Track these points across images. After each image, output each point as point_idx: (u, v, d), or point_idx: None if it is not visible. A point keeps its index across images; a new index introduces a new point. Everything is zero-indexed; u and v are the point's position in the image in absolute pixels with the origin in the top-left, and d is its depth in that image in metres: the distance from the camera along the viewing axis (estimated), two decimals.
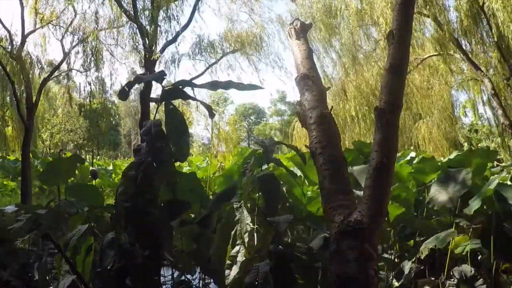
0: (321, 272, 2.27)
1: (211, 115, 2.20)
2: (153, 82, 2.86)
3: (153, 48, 10.65)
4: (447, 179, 3.63)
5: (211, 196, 4.05)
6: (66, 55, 12.01)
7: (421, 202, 4.10)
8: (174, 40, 11.36)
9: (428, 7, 10.73)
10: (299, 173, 4.00)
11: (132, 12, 10.80)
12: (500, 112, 11.23)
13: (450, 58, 12.47)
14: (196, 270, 3.05)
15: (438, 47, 11.66)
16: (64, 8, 11.72)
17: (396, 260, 3.76)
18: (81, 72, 12.45)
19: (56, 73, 12.89)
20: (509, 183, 3.70)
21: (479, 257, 3.55)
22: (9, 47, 11.14)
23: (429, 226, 3.65)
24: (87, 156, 31.09)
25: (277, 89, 56.14)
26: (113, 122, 37.18)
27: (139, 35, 10.80)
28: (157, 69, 11.08)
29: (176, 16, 11.16)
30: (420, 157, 5.29)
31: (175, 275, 2.99)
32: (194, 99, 2.23)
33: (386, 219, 3.04)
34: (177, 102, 11.06)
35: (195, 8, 11.62)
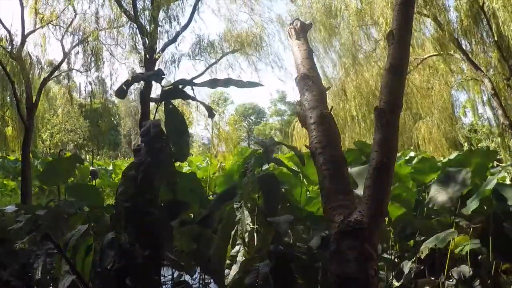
0: (321, 272, 2.27)
1: (211, 115, 2.20)
2: (153, 82, 2.85)
3: (154, 48, 10.65)
4: (447, 179, 3.63)
5: (211, 196, 4.05)
6: (66, 55, 12.01)
7: (421, 202, 4.11)
8: (174, 40, 11.36)
9: (428, 7, 10.71)
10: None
11: (132, 12, 10.79)
12: (500, 112, 11.22)
13: (450, 58, 12.46)
14: (196, 270, 3.05)
15: (438, 47, 11.65)
16: (64, 8, 11.72)
17: (396, 260, 3.76)
18: (81, 72, 12.46)
19: (56, 73, 12.89)
20: (508, 182, 3.70)
21: (479, 257, 3.55)
22: (9, 47, 11.14)
23: (429, 226, 3.65)
24: (87, 156, 31.12)
25: (277, 89, 56.28)
26: (114, 122, 37.22)
27: (139, 35, 10.80)
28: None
29: (176, 16, 11.17)
30: (420, 157, 5.30)
31: (175, 275, 2.98)
32: (194, 99, 2.23)
33: (386, 219, 3.04)
34: (177, 102, 11.07)
35: (195, 8, 11.61)
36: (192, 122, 16.02)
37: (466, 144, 18.59)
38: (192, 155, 26.72)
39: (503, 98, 11.49)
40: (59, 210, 2.96)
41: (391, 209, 3.26)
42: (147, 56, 10.78)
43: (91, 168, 7.73)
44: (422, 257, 3.45)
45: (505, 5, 9.49)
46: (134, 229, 1.88)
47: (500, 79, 11.43)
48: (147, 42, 10.60)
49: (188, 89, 2.17)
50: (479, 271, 3.39)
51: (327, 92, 2.37)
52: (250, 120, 60.54)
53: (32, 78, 11.85)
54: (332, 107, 2.49)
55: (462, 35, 11.24)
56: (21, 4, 11.15)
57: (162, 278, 2.79)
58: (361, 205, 1.85)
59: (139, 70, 11.70)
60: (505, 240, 3.09)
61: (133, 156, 1.98)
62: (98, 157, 31.64)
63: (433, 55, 13.12)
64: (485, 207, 3.51)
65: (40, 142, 27.46)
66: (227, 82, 2.17)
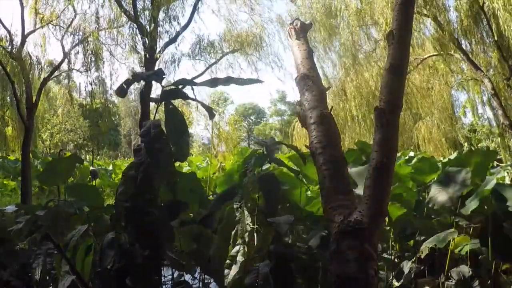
0: (321, 272, 2.27)
1: (211, 116, 2.20)
2: (153, 82, 2.85)
3: (154, 48, 10.65)
4: (447, 179, 3.63)
5: (211, 196, 4.05)
6: (66, 55, 12.01)
7: (421, 202, 4.11)
8: (174, 40, 11.36)
9: (428, 7, 10.71)
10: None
11: (132, 12, 10.79)
12: (500, 112, 11.22)
13: (450, 58, 12.46)
14: (196, 270, 3.05)
15: (438, 47, 11.65)
16: (64, 8, 11.71)
17: (396, 260, 3.76)
18: (81, 72, 12.45)
19: (56, 73, 12.88)
20: (508, 182, 3.70)
21: (479, 257, 3.55)
22: (9, 47, 11.13)
23: (429, 226, 3.65)
24: (87, 156, 31.12)
25: (277, 89, 56.30)
26: (115, 122, 37.22)
27: (139, 35, 10.80)
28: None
29: (176, 16, 11.17)
30: (420, 156, 5.30)
31: (175, 275, 2.98)
32: (194, 99, 2.23)
33: (386, 219, 3.04)
34: (177, 102, 11.05)
35: (195, 8, 11.60)
36: (192, 122, 16.01)
37: (466, 144, 18.60)
38: (192, 155, 26.72)
39: (503, 98, 11.49)
40: (59, 210, 2.96)
41: (391, 209, 3.25)
42: (147, 56, 10.78)
43: (91, 168, 7.73)
44: (422, 257, 3.45)
45: (505, 5, 9.49)
46: (134, 229, 1.88)
47: (500, 79, 11.43)
48: (147, 42, 10.60)
49: (188, 89, 2.17)
50: (479, 271, 3.39)
51: (327, 92, 2.38)
52: (250, 120, 60.57)
53: (32, 78, 11.84)
54: (332, 107, 2.49)
55: (462, 35, 11.24)
56: (21, 4, 11.15)
57: (162, 278, 2.79)
58: (361, 205, 1.85)
59: (139, 70, 11.70)
60: (504, 240, 3.09)
61: (133, 156, 1.98)
62: (98, 157, 31.65)
63: (433, 55, 13.13)
64: (486, 207, 3.51)
65: (40, 142, 27.47)
66: (227, 81, 2.17)
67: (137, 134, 35.72)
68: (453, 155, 4.68)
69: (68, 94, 16.57)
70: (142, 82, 6.90)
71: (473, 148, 16.74)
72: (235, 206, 2.32)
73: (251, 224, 2.24)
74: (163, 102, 2.09)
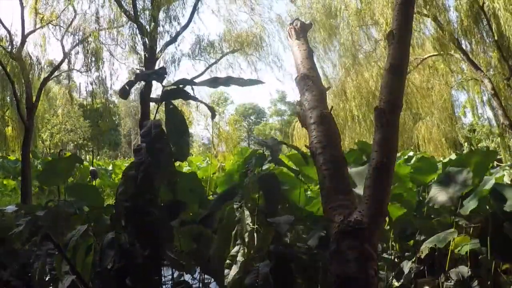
0: (321, 272, 2.27)
1: (213, 116, 2.20)
2: (154, 82, 2.85)
3: (154, 48, 10.65)
4: (447, 179, 3.63)
5: (211, 196, 4.05)
6: (66, 55, 12.02)
7: (421, 202, 4.10)
8: (174, 40, 11.37)
9: (428, 7, 10.72)
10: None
11: (132, 12, 10.79)
12: (500, 112, 11.23)
13: (450, 58, 12.47)
14: (196, 270, 3.05)
15: (438, 47, 11.65)
16: (64, 8, 11.72)
17: (396, 260, 3.76)
18: (81, 72, 12.46)
19: (56, 73, 12.89)
20: (507, 182, 3.70)
21: (479, 257, 3.55)
22: (9, 47, 11.13)
23: (429, 226, 3.65)
24: (87, 156, 31.11)
25: (277, 89, 56.31)
26: (116, 122, 37.22)
27: (139, 35, 10.81)
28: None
29: (176, 16, 11.18)
30: (419, 156, 5.29)
31: (175, 275, 2.99)
32: (195, 99, 2.23)
33: (386, 219, 3.04)
34: (177, 102, 11.04)
35: (195, 8, 11.61)
36: (192, 122, 16.04)
37: (466, 144, 18.59)
38: (192, 155, 26.70)
39: (503, 98, 11.49)
40: (59, 210, 2.96)
41: (391, 209, 3.25)
42: (147, 56, 10.78)
43: (91, 168, 7.73)
44: (422, 257, 3.45)
45: (505, 5, 9.49)
46: (134, 229, 1.88)
47: (500, 79, 11.44)
48: (147, 42, 10.60)
49: (188, 89, 2.17)
50: (479, 271, 3.39)
51: (327, 92, 2.38)
52: (250, 120, 60.54)
53: (32, 78, 11.85)
54: (332, 107, 2.49)
55: (462, 35, 11.25)
56: (21, 4, 11.15)
57: (162, 278, 2.79)
58: (361, 205, 1.85)
59: (139, 70, 11.70)
60: (504, 240, 3.09)
61: (133, 156, 1.98)
62: (98, 157, 31.63)
63: (433, 55, 13.13)
64: (487, 207, 3.51)
65: (40, 142, 27.44)
66: (228, 81, 2.17)
67: (137, 134, 35.75)
68: (452, 156, 4.67)
69: (68, 94, 16.61)
70: (142, 82, 6.90)
71: (473, 148, 16.74)
72: (235, 206, 2.32)
73: (251, 224, 2.24)
74: (164, 102, 2.09)
